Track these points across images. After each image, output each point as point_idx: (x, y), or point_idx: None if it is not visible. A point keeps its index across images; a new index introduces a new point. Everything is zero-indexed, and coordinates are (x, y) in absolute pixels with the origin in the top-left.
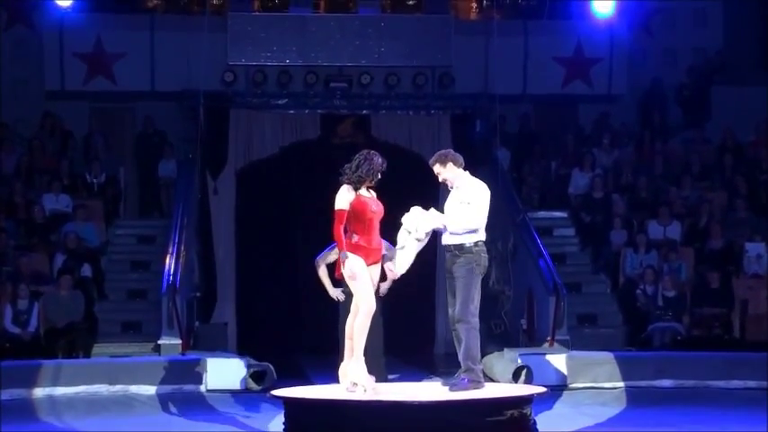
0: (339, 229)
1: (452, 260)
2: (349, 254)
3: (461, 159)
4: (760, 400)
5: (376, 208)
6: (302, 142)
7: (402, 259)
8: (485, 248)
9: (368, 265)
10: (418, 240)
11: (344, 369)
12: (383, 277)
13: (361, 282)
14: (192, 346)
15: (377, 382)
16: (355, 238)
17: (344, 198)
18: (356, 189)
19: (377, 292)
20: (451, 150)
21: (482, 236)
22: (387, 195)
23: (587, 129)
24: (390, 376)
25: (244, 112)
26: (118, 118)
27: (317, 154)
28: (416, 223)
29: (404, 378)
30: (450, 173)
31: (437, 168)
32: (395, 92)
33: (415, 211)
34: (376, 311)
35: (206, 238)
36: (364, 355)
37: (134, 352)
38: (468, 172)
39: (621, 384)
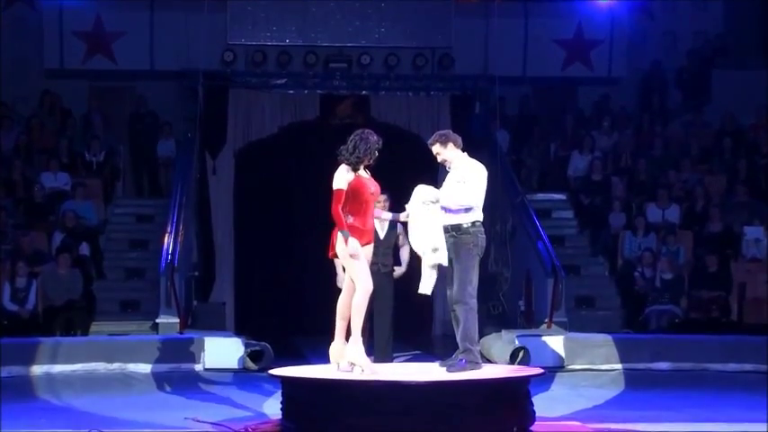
0: (338, 209)
1: (450, 241)
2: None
3: (460, 140)
4: (757, 383)
5: (374, 189)
6: (301, 122)
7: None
8: (482, 229)
9: (362, 245)
10: (415, 210)
11: (334, 349)
12: (397, 262)
13: (357, 262)
14: (189, 326)
15: (382, 362)
16: (350, 219)
17: (343, 178)
18: (355, 170)
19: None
20: (449, 131)
21: (479, 216)
22: (385, 176)
23: (587, 111)
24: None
25: (243, 91)
26: (117, 97)
27: (316, 134)
28: (416, 197)
29: (402, 359)
30: (450, 153)
31: (437, 148)
32: (395, 73)
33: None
34: (388, 291)
35: (204, 217)
36: (370, 336)
37: (132, 330)
38: (466, 153)
39: (619, 366)
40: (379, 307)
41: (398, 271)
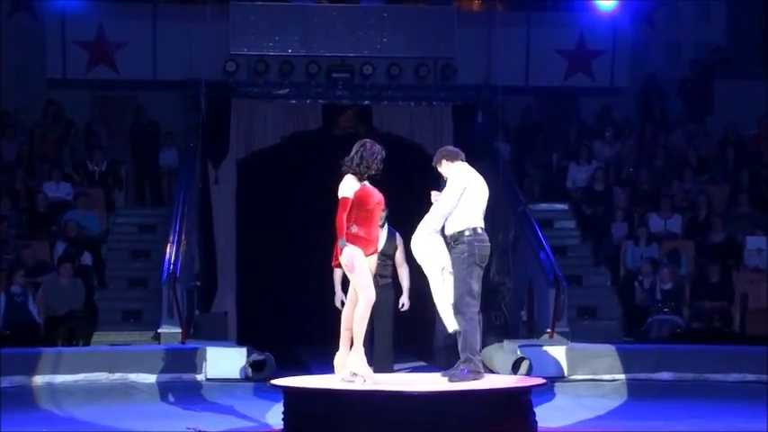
0: (342, 217)
1: (450, 251)
2: (348, 243)
3: (454, 153)
4: (759, 394)
5: (379, 198)
6: (304, 132)
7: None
8: (482, 237)
9: (366, 255)
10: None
11: (339, 359)
12: (400, 291)
13: (360, 272)
14: (191, 335)
15: (384, 373)
16: (355, 228)
17: (350, 187)
18: (360, 180)
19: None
20: (446, 147)
21: (474, 224)
22: (389, 187)
23: (589, 121)
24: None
25: (245, 101)
26: (119, 106)
27: (318, 144)
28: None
29: (403, 369)
30: (445, 169)
31: (438, 169)
32: (397, 83)
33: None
34: (388, 303)
35: (207, 227)
36: (371, 345)
37: (134, 340)
38: (465, 164)
39: (621, 377)
40: (379, 320)
41: (402, 300)
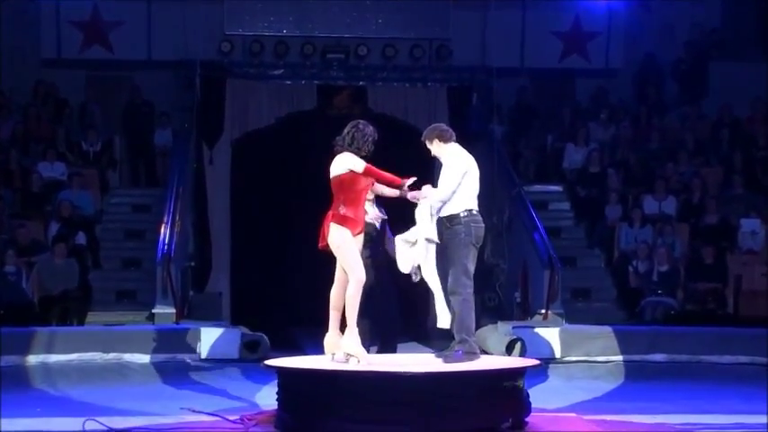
0: (383, 174)
1: (445, 232)
2: (337, 224)
3: (449, 133)
4: (752, 376)
5: (368, 181)
6: (298, 113)
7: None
8: (477, 218)
9: (354, 236)
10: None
11: (329, 339)
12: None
13: (349, 252)
14: (186, 316)
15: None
16: (342, 209)
17: (357, 159)
18: None
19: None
20: (439, 125)
21: (470, 205)
22: (382, 167)
23: (584, 103)
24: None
25: (240, 82)
26: (114, 86)
27: (313, 125)
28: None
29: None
30: (437, 149)
31: (427, 145)
32: (392, 63)
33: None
34: (389, 282)
35: (201, 207)
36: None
37: (128, 320)
38: (457, 144)
39: (614, 358)
40: (384, 300)
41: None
